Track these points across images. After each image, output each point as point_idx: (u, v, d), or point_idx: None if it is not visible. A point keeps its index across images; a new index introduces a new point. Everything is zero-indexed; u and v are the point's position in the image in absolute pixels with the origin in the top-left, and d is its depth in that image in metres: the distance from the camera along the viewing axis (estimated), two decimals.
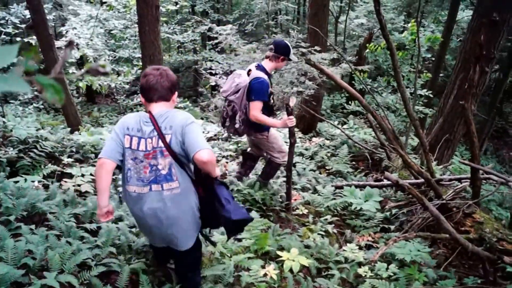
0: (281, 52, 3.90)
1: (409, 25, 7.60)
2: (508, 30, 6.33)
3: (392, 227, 4.25)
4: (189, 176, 2.26)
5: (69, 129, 5.33)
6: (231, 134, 4.20)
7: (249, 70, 3.97)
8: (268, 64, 3.96)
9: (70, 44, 1.02)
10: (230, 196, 2.35)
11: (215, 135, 7.81)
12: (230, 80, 3.98)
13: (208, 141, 7.22)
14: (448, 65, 13.68)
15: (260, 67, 3.95)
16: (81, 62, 11.06)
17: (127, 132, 2.19)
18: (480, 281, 3.29)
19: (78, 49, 8.24)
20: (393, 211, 4.50)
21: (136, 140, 2.17)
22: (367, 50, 7.28)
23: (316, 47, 5.64)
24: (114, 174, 4.33)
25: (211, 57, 11.49)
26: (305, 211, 4.54)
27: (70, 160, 4.20)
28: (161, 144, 2.14)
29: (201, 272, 2.82)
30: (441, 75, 11.35)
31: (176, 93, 2.36)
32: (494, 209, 4.89)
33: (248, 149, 4.67)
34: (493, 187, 4.32)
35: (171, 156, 2.15)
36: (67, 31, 8.28)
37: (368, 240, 3.98)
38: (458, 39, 13.07)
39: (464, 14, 13.21)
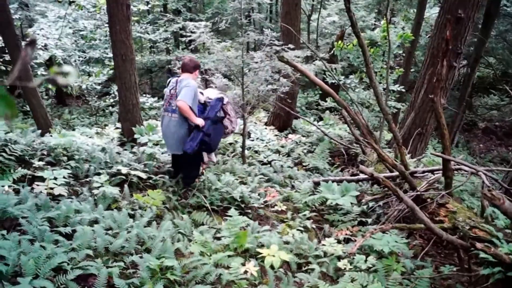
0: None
1: (382, 22, 7.75)
2: (473, 26, 6.54)
3: (369, 220, 4.32)
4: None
5: (39, 131, 5.13)
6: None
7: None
8: None
9: (32, 43, 0.90)
10: (199, 137, 4.06)
11: None
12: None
13: None
14: (419, 60, 14.02)
15: None
16: (50, 63, 10.71)
17: (169, 85, 4.33)
18: (455, 268, 3.39)
19: (46, 49, 7.97)
20: (370, 204, 4.58)
21: (169, 89, 4.28)
22: (335, 48, 7.36)
23: (289, 45, 5.66)
24: (82, 178, 4.25)
25: (184, 56, 11.34)
26: (284, 208, 4.57)
27: (41, 163, 4.05)
28: (175, 93, 4.15)
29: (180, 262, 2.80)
30: (412, 70, 11.61)
31: (198, 70, 4.37)
32: (466, 198, 5.04)
33: None
34: (465, 177, 4.46)
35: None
36: (34, 32, 7.98)
37: (346, 234, 4.04)
38: (428, 36, 13.42)
39: (432, 12, 13.58)
